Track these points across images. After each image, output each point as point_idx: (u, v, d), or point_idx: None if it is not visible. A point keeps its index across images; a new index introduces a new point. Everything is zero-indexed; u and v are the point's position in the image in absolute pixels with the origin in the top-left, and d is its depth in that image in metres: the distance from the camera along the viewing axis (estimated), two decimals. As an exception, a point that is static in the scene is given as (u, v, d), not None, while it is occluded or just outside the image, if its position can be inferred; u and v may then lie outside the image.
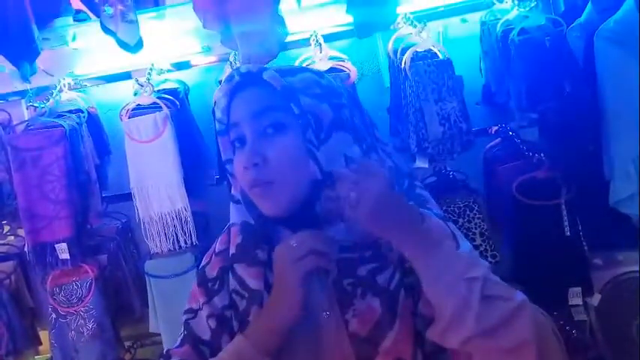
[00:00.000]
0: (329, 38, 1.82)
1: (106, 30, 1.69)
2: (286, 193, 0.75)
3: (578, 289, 1.59)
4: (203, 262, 0.88)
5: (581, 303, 1.58)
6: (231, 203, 0.84)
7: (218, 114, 0.80)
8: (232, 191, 0.84)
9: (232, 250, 0.82)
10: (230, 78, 0.79)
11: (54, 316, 1.75)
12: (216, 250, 0.86)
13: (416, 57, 1.69)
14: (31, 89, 1.87)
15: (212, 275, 0.84)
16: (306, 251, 0.71)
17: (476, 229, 1.65)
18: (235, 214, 0.83)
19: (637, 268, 1.62)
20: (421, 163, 1.68)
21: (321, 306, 0.75)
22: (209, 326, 0.82)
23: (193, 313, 0.84)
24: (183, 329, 0.85)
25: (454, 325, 0.66)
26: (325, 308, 0.75)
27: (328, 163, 0.73)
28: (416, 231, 0.69)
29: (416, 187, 0.85)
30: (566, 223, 1.59)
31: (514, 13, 1.69)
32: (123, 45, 1.69)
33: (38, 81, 1.87)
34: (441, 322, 0.68)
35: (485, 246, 1.63)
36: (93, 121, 1.87)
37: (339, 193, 0.67)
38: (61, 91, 1.87)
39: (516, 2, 1.70)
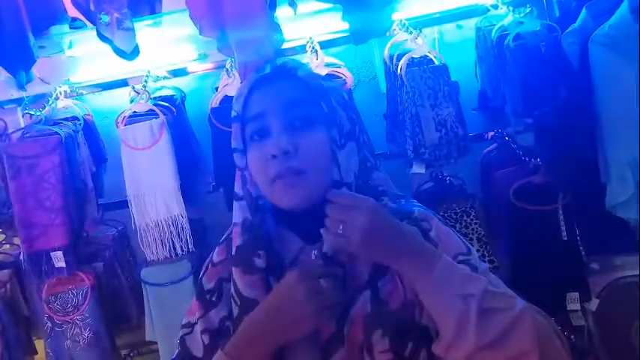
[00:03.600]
0: (325, 45, 1.83)
1: (102, 37, 1.69)
2: (314, 186, 0.75)
3: (576, 294, 1.58)
4: (201, 273, 0.86)
5: (578, 308, 1.58)
6: (234, 202, 0.81)
7: (235, 102, 0.79)
8: (235, 188, 0.81)
9: (233, 252, 0.80)
10: (261, 69, 0.79)
11: (49, 324, 1.73)
12: (214, 261, 0.85)
13: (412, 63, 1.70)
14: (27, 97, 1.87)
15: (209, 287, 0.83)
16: (332, 301, 0.71)
17: (473, 234, 1.65)
18: (238, 212, 0.80)
19: (635, 272, 1.62)
20: (418, 169, 1.68)
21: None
22: (202, 342, 0.80)
23: (190, 327, 0.83)
24: (179, 344, 0.84)
25: (456, 341, 0.67)
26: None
27: (343, 168, 0.76)
28: (410, 254, 0.71)
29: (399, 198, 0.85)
30: (563, 228, 1.59)
31: (509, 19, 1.71)
32: (119, 52, 1.69)
33: (34, 89, 1.87)
34: (444, 338, 0.69)
35: (483, 251, 1.63)
36: (89, 128, 1.87)
37: (328, 226, 0.70)
38: (57, 98, 1.87)
39: (511, 8, 1.71)
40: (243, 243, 0.78)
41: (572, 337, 1.64)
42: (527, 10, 1.69)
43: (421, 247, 0.72)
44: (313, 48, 1.78)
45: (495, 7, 1.75)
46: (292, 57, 1.88)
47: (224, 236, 0.86)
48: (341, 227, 0.70)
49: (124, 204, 1.76)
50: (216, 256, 0.85)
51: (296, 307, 0.70)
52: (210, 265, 0.85)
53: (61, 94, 1.88)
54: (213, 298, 0.82)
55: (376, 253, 0.71)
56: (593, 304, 1.61)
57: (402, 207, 0.82)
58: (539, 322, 0.70)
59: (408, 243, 0.71)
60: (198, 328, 0.81)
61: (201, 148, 1.88)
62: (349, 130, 0.79)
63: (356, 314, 0.73)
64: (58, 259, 1.67)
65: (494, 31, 1.71)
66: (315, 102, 0.77)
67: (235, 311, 0.78)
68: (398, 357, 0.71)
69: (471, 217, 1.66)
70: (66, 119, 1.84)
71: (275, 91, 0.77)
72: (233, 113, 0.79)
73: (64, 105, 1.88)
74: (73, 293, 1.72)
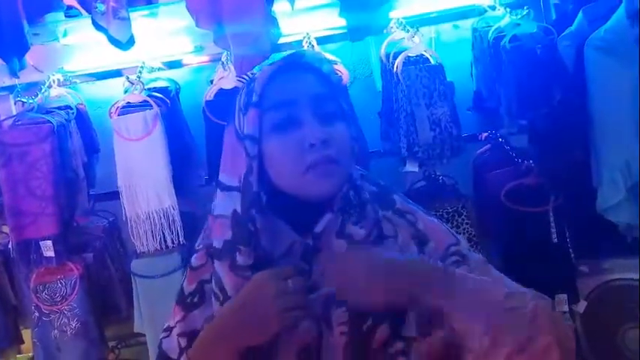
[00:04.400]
0: (322, 41, 1.83)
1: (97, 26, 1.68)
2: (344, 176, 0.76)
3: (564, 296, 1.59)
4: (182, 280, 0.85)
5: (567, 310, 1.59)
6: (220, 192, 0.78)
7: (252, 88, 0.76)
8: (223, 177, 0.79)
9: (217, 245, 0.78)
10: (287, 56, 0.78)
11: (37, 314, 1.72)
12: (193, 266, 0.83)
13: (408, 61, 1.70)
14: (19, 84, 1.85)
15: (190, 289, 0.81)
16: (300, 302, 0.70)
17: (464, 234, 1.65)
18: (226, 203, 0.77)
19: (623, 276, 1.63)
20: (411, 167, 1.68)
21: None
22: (179, 345, 0.79)
23: (168, 331, 0.81)
24: (158, 348, 0.82)
25: (490, 350, 0.65)
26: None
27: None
28: (429, 284, 0.68)
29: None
30: (553, 230, 1.60)
31: (506, 20, 1.71)
32: (114, 42, 1.67)
33: (27, 76, 1.85)
34: (478, 349, 0.66)
35: (473, 251, 1.63)
36: (82, 118, 1.85)
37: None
38: (50, 87, 1.85)
39: (508, 10, 1.71)
40: (233, 236, 0.76)
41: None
42: (525, 12, 1.69)
43: (429, 272, 0.70)
44: (310, 43, 1.77)
45: (493, 8, 1.76)
46: (288, 52, 1.88)
47: (201, 241, 0.84)
48: (326, 277, 0.71)
49: (115, 195, 1.75)
50: (195, 260, 0.83)
51: (262, 306, 0.69)
52: (189, 270, 0.84)
53: (54, 82, 1.86)
54: (195, 300, 0.80)
55: (386, 298, 0.68)
56: (581, 306, 1.62)
57: (383, 192, 0.82)
58: (550, 310, 0.69)
59: (419, 276, 0.69)
60: (175, 331, 0.80)
61: (195, 141, 1.87)
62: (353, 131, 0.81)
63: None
64: (47, 249, 1.66)
65: (490, 32, 1.71)
66: (337, 98, 0.77)
67: (216, 307, 0.77)
68: (356, 331, 0.71)
69: (463, 216, 1.67)
70: (59, 108, 1.82)
71: (303, 81, 0.76)
72: (253, 98, 0.75)
73: (56, 94, 1.86)
74: (61, 283, 1.71)
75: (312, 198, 0.74)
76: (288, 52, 0.83)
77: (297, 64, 0.77)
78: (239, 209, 0.76)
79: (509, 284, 0.72)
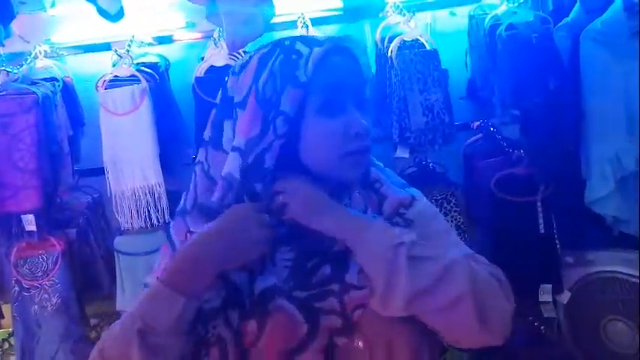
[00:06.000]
0: (316, 22, 1.79)
1: (86, -4, 1.63)
2: (369, 164, 0.83)
3: (549, 287, 1.60)
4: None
5: (550, 300, 1.59)
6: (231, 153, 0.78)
7: (303, 63, 0.75)
8: (225, 144, 0.80)
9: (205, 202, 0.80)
10: (335, 39, 0.78)
11: (17, 288, 1.69)
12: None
13: (403, 46, 1.68)
14: (4, 53, 1.80)
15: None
16: (270, 235, 0.74)
17: (452, 221, 1.65)
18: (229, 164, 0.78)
19: (606, 269, 1.64)
20: (402, 153, 1.67)
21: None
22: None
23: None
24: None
25: (388, 290, 0.69)
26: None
27: None
28: (341, 218, 0.75)
29: None
30: (540, 221, 1.60)
31: (503, 8, 1.69)
32: (103, 13, 1.63)
33: (12, 46, 1.80)
34: (377, 290, 0.70)
35: (461, 239, 1.63)
36: (68, 90, 1.81)
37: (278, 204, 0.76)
38: (36, 57, 1.80)
39: (506, -3, 1.70)
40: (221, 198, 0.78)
41: (542, 328, 1.66)
42: (522, 0, 1.67)
43: (354, 215, 0.76)
44: (304, 24, 1.75)
45: (490, -5, 1.74)
46: (282, 32, 1.86)
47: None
48: (282, 198, 0.75)
49: (100, 171, 1.72)
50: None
51: (242, 234, 0.72)
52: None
53: (40, 53, 1.80)
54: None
55: (310, 219, 0.75)
56: (565, 297, 1.63)
57: None
58: (473, 268, 0.71)
59: (341, 211, 0.76)
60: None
61: (184, 119, 1.84)
62: None
63: None
64: (29, 223, 1.63)
65: (487, 19, 1.70)
66: (366, 88, 0.82)
67: None
68: (300, 267, 0.75)
69: (452, 204, 1.66)
70: (44, 80, 1.77)
71: (349, 67, 0.78)
72: (301, 78, 0.74)
73: (42, 65, 1.81)
74: (42, 258, 1.68)
75: (342, 180, 0.78)
76: (332, 36, 0.83)
77: (344, 48, 0.78)
78: (237, 177, 0.77)
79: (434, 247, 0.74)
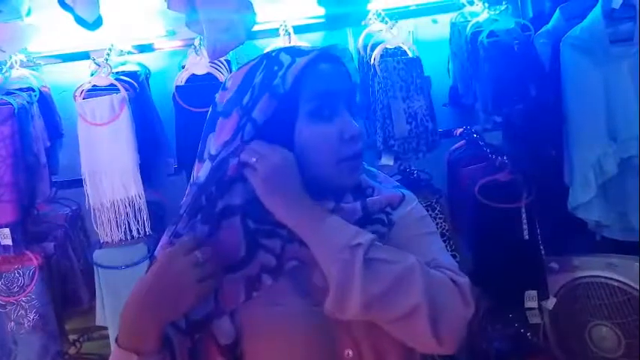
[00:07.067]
0: (299, 30, 1.78)
1: (63, 5, 1.59)
2: (362, 170, 0.81)
3: (534, 292, 1.60)
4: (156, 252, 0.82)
5: (536, 306, 1.59)
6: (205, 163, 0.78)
7: (282, 73, 0.74)
8: (213, 149, 0.78)
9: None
10: (321, 48, 0.78)
11: (-8, 305, 1.64)
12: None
13: (385, 53, 1.68)
14: (-22, 63, 1.76)
15: None
16: (212, 271, 0.71)
17: (437, 228, 1.64)
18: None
19: (591, 274, 1.65)
20: (386, 161, 1.67)
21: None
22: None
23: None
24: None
25: (342, 292, 0.68)
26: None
27: None
28: (299, 205, 0.72)
29: None
30: (525, 227, 1.60)
31: (484, 15, 1.70)
32: (80, 22, 1.59)
33: (-13, 55, 1.76)
34: (331, 291, 0.69)
35: (446, 246, 1.63)
36: (45, 101, 1.77)
37: (246, 159, 0.73)
38: (11, 67, 1.76)
39: (487, 5, 1.71)
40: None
41: (528, 334, 1.66)
42: (503, 8, 1.69)
43: (313, 204, 0.73)
44: (287, 32, 1.73)
45: (471, 3, 1.75)
46: (264, 40, 1.84)
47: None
48: (255, 159, 0.72)
49: (79, 183, 1.68)
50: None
51: (176, 281, 0.70)
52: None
53: (16, 62, 1.76)
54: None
55: (271, 193, 0.72)
56: (550, 303, 1.63)
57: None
58: (430, 275, 0.70)
59: (302, 198, 0.73)
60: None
61: (164, 128, 1.81)
62: None
63: None
64: (5, 237, 1.58)
65: (468, 27, 1.71)
66: (356, 94, 0.82)
67: None
68: (274, 257, 0.73)
69: (436, 211, 1.66)
70: (20, 90, 1.73)
71: (340, 73, 0.78)
72: (280, 89, 0.74)
73: (18, 75, 1.77)
74: (19, 273, 1.63)
75: (339, 186, 0.77)
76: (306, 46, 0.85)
77: (331, 56, 0.78)
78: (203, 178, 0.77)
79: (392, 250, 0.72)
